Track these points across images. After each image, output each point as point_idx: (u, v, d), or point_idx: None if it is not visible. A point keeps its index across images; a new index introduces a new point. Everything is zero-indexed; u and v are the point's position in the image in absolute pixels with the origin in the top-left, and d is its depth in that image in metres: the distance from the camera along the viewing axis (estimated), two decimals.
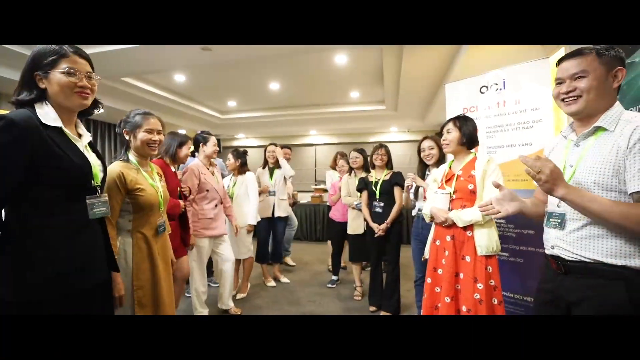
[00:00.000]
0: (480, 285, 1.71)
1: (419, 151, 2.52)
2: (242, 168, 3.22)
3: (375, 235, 2.80)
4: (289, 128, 7.85)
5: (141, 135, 1.58)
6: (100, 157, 1.22)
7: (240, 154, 3.25)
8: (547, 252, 1.15)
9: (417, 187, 2.53)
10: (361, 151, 3.27)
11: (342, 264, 3.91)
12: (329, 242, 4.17)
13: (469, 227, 1.77)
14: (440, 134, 2.01)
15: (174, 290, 1.79)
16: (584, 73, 1.04)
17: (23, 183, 0.96)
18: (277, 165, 3.66)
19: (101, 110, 1.23)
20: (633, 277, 0.94)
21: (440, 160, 2.40)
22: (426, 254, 2.03)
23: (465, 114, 1.99)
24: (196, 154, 2.74)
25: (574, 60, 1.07)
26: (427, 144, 2.45)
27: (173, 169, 2.54)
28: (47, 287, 0.99)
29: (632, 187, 0.94)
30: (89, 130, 1.20)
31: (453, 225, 1.81)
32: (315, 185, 7.04)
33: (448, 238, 1.83)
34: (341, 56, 4.05)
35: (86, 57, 1.10)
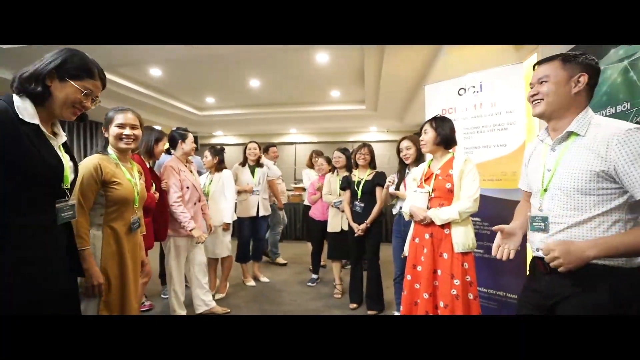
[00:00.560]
0: (457, 282, 1.76)
1: (398, 151, 2.57)
2: (220, 165, 3.17)
3: (355, 235, 2.82)
4: (268, 126, 7.79)
5: (112, 129, 1.59)
6: (73, 158, 1.19)
7: (218, 151, 3.19)
8: (533, 254, 1.18)
9: (398, 185, 2.58)
10: (344, 150, 3.29)
11: (322, 263, 3.92)
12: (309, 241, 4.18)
13: (447, 225, 1.82)
14: (419, 134, 2.06)
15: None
16: (546, 78, 1.10)
17: None
18: (257, 163, 3.62)
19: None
20: (614, 276, 0.98)
21: (419, 159, 2.45)
22: (406, 252, 2.07)
23: (443, 115, 2.05)
24: (172, 151, 2.66)
25: (541, 65, 1.13)
26: (404, 144, 2.50)
27: (149, 165, 2.46)
28: (9, 292, 0.93)
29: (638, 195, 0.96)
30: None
31: (431, 223, 1.85)
32: (295, 184, 7.02)
33: (427, 236, 1.88)
34: (322, 55, 4.06)
35: (104, 82, 1.15)
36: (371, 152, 2.96)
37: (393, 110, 6.16)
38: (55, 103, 1.04)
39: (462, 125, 2.55)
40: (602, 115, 1.74)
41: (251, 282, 3.59)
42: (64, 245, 1.13)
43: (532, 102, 1.14)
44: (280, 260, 4.56)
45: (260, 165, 3.66)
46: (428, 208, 1.89)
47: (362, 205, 2.85)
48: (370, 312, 2.79)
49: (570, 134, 1.08)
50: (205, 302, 2.71)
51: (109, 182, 1.49)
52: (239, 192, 3.44)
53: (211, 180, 3.14)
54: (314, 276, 3.68)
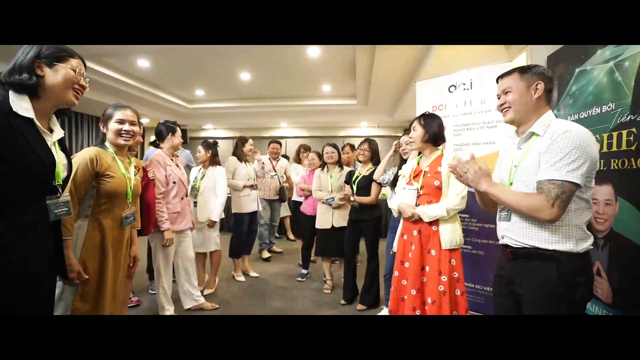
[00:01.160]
0: (444, 278, 1.78)
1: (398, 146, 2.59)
2: (214, 159, 3.12)
3: (352, 200, 2.82)
4: (259, 120, 7.72)
5: (111, 125, 1.65)
6: (69, 156, 1.18)
7: (211, 145, 3.14)
8: (500, 242, 1.33)
9: (394, 179, 2.57)
10: (335, 146, 3.25)
11: (312, 258, 3.93)
12: (299, 237, 4.19)
13: (435, 222, 1.84)
14: (409, 130, 2.06)
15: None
16: (510, 88, 1.26)
17: None
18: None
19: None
20: (561, 259, 1.12)
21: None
22: (394, 248, 2.08)
23: (432, 112, 2.05)
24: (160, 144, 2.60)
25: (503, 79, 1.30)
26: (404, 139, 2.49)
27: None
28: None
29: (538, 176, 1.14)
30: None
31: (420, 220, 1.87)
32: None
33: (415, 232, 1.89)
34: (314, 49, 4.02)
35: (85, 63, 1.17)
36: (372, 148, 2.89)
37: (384, 105, 6.16)
38: (55, 90, 1.05)
39: (452, 122, 2.57)
40: (589, 114, 1.77)
41: (241, 277, 3.57)
42: (49, 244, 1.10)
43: (502, 110, 1.30)
44: (275, 248, 4.69)
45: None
46: (417, 205, 1.90)
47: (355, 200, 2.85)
48: (359, 307, 2.81)
49: (532, 134, 1.22)
50: (194, 297, 2.69)
51: (102, 175, 1.54)
52: (246, 187, 3.50)
53: (203, 175, 3.09)
54: (304, 271, 3.69)
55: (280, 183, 4.24)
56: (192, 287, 2.68)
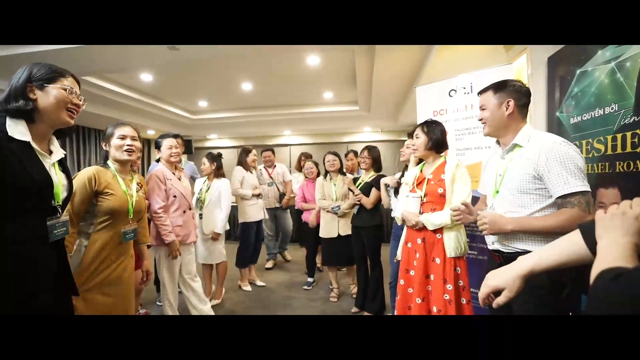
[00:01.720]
0: (449, 286, 1.75)
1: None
2: (218, 171, 3.14)
3: (355, 195, 2.82)
4: (262, 128, 7.75)
5: (114, 141, 1.69)
6: (69, 176, 1.20)
7: (215, 157, 3.16)
8: (489, 247, 1.40)
9: (397, 187, 2.54)
10: (336, 154, 3.22)
11: (318, 265, 3.91)
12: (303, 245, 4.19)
13: (439, 229, 1.81)
14: (412, 136, 2.05)
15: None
16: (485, 105, 1.39)
17: None
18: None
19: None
20: None
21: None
22: (398, 256, 2.06)
23: (434, 119, 2.04)
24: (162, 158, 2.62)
25: (481, 95, 1.42)
26: (409, 141, 2.47)
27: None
28: None
29: (555, 193, 1.19)
30: None
31: (423, 228, 1.85)
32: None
33: (419, 240, 1.87)
34: (314, 57, 4.04)
35: (78, 81, 1.18)
36: (372, 155, 2.87)
37: (386, 110, 6.15)
38: (48, 111, 1.06)
39: (454, 126, 2.55)
40: (592, 116, 1.75)
41: (247, 287, 3.57)
42: (51, 263, 1.11)
43: (482, 124, 1.42)
44: (286, 255, 4.78)
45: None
46: (420, 213, 1.88)
47: (357, 207, 2.83)
48: (365, 314, 2.78)
49: (515, 145, 1.32)
50: (204, 312, 2.67)
51: (102, 192, 1.57)
52: (254, 196, 3.54)
53: (208, 187, 3.11)
54: (310, 279, 3.67)
55: (279, 190, 4.23)
56: (200, 301, 2.66)
